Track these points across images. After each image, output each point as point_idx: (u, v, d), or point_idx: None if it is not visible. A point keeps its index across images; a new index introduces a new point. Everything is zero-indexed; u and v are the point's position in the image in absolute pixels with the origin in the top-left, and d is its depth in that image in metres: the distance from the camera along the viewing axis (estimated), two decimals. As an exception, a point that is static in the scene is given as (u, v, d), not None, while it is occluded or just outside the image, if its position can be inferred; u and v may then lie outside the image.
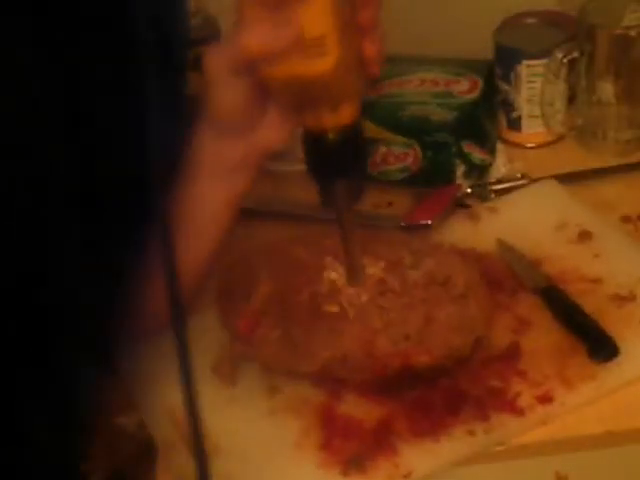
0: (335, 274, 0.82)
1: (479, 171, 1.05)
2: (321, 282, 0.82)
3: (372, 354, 0.77)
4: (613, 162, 1.05)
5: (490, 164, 1.06)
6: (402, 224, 0.97)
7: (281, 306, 0.81)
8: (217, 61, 0.71)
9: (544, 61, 1.04)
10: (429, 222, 0.96)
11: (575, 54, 1.03)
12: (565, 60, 1.03)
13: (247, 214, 0.98)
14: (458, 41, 1.11)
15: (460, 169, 1.03)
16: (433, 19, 1.19)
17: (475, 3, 1.17)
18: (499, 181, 1.04)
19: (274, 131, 0.74)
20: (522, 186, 1.02)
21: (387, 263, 0.83)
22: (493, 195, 1.02)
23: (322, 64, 0.67)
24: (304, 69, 0.68)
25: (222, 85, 0.72)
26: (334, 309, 0.80)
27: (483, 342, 0.81)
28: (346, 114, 0.72)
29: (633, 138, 1.06)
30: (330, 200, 0.75)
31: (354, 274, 0.79)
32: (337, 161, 0.73)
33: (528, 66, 1.05)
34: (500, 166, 1.06)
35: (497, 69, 1.08)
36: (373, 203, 1.03)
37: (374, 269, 0.82)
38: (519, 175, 1.04)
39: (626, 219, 0.97)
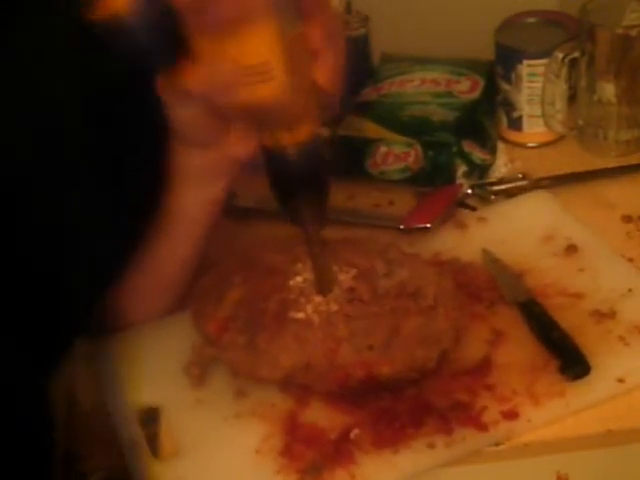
0: (304, 281, 0.81)
1: (480, 171, 1.05)
2: (290, 288, 0.81)
3: (335, 363, 0.76)
4: (613, 162, 1.05)
5: (491, 164, 1.06)
6: (401, 227, 0.96)
7: (250, 311, 0.80)
8: (167, 89, 0.72)
9: (545, 61, 1.04)
10: (428, 225, 0.96)
11: (576, 54, 1.03)
12: (566, 60, 1.03)
13: (247, 214, 0.99)
14: (458, 41, 1.12)
15: (461, 169, 1.03)
16: (433, 19, 1.19)
17: (475, 3, 1.17)
18: (500, 181, 1.04)
19: (239, 144, 0.75)
20: (522, 186, 1.02)
21: (359, 271, 0.82)
22: (493, 196, 1.02)
23: (267, 90, 0.68)
24: (250, 95, 0.68)
25: (176, 108, 0.74)
26: (300, 316, 0.79)
27: (450, 355, 0.79)
28: (303, 132, 0.72)
29: (633, 138, 1.06)
30: (295, 217, 0.75)
31: (323, 285, 0.80)
32: (297, 178, 0.73)
33: (529, 66, 1.05)
34: (501, 166, 1.06)
35: (498, 69, 1.08)
36: (374, 203, 1.03)
37: (345, 277, 0.81)
38: (520, 175, 1.04)
39: (626, 219, 0.97)
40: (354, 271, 0.82)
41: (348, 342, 0.77)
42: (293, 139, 0.72)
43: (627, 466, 0.79)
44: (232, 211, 0.96)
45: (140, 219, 0.80)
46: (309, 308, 0.79)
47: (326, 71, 0.70)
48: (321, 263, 0.79)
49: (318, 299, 0.80)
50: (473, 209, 1.00)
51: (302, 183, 0.74)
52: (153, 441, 0.76)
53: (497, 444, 0.75)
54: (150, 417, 0.78)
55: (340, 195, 1.03)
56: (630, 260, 0.91)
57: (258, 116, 0.71)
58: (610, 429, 0.76)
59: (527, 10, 1.09)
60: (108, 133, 0.75)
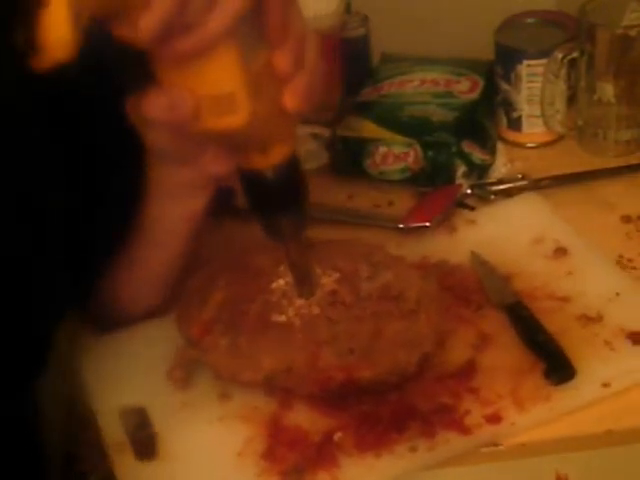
0: (286, 283, 0.81)
1: (479, 171, 1.05)
2: (273, 291, 0.81)
3: (316, 366, 0.76)
4: (613, 162, 1.05)
5: (490, 164, 1.06)
6: (400, 226, 0.97)
7: (232, 314, 0.80)
8: (135, 113, 0.71)
9: (544, 61, 1.04)
10: (427, 224, 0.96)
11: (575, 54, 1.03)
12: (565, 60, 1.03)
13: (247, 214, 0.99)
14: (458, 41, 1.12)
15: (460, 169, 1.03)
16: (433, 19, 1.19)
17: (475, 3, 1.17)
18: (499, 181, 1.04)
19: (216, 162, 0.74)
20: (522, 186, 1.02)
21: (342, 274, 0.82)
22: (493, 196, 1.02)
23: (233, 120, 0.66)
24: (217, 125, 0.67)
25: (147, 129, 0.73)
26: (282, 319, 0.79)
27: (434, 358, 0.79)
28: (277, 154, 0.71)
29: (633, 138, 1.06)
30: (274, 234, 0.75)
31: (304, 290, 0.79)
32: (275, 198, 0.73)
33: (528, 66, 1.05)
34: (500, 166, 1.06)
35: (497, 69, 1.08)
36: (374, 203, 1.03)
37: (327, 279, 0.81)
38: (519, 175, 1.04)
39: (625, 219, 0.97)
40: (337, 274, 0.82)
41: (329, 345, 0.77)
42: (267, 162, 0.71)
43: (627, 466, 0.79)
44: (232, 211, 0.96)
45: (121, 219, 0.80)
46: (291, 311, 0.80)
47: (295, 96, 0.68)
48: (300, 271, 0.78)
49: (300, 302, 0.80)
50: (472, 209, 1.00)
51: (280, 203, 0.73)
52: (138, 444, 0.76)
53: (486, 446, 0.75)
54: (136, 420, 0.78)
55: (339, 195, 1.03)
56: (629, 260, 0.92)
57: (228, 141, 0.71)
58: (610, 429, 0.76)
59: (527, 10, 1.09)
60: (91, 135, 0.75)
